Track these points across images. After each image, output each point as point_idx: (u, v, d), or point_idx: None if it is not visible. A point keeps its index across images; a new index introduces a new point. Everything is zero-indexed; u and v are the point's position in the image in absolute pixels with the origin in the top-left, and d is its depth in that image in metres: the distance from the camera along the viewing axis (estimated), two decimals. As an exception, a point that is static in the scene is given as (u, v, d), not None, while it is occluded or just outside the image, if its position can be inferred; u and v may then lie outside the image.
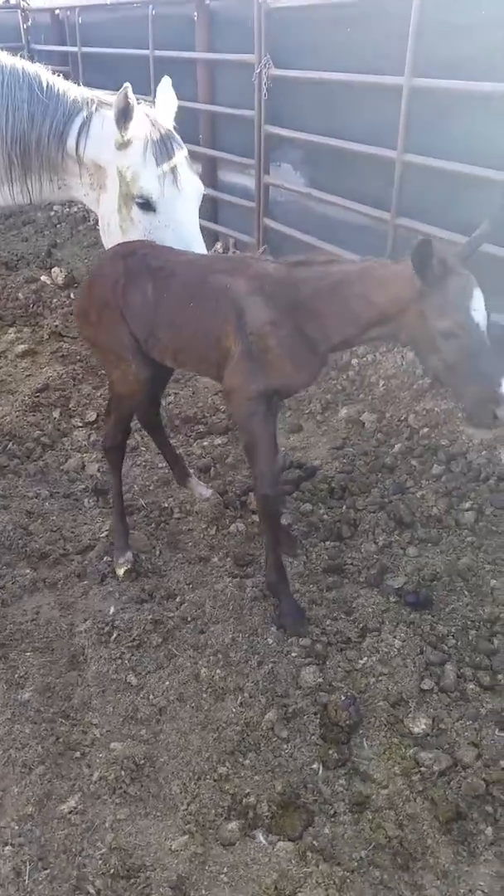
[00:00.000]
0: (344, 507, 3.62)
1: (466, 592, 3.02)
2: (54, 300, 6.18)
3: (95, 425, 4.52)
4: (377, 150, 4.51)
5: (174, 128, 3.39)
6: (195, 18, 6.19)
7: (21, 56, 9.22)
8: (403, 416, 4.23)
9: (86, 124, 3.24)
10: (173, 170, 3.25)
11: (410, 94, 4.16)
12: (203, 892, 2.09)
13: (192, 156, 6.66)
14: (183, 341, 2.81)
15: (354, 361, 4.79)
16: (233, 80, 6.03)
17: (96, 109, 3.26)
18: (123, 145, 3.17)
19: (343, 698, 2.55)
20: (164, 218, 3.22)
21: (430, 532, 3.39)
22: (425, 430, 4.07)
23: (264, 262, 2.79)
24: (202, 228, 6.64)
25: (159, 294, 2.80)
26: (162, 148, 3.23)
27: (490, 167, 3.83)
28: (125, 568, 3.26)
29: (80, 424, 4.52)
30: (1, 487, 3.92)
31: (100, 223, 3.45)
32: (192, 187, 3.33)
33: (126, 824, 2.28)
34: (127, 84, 3.09)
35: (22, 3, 8.86)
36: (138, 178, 3.17)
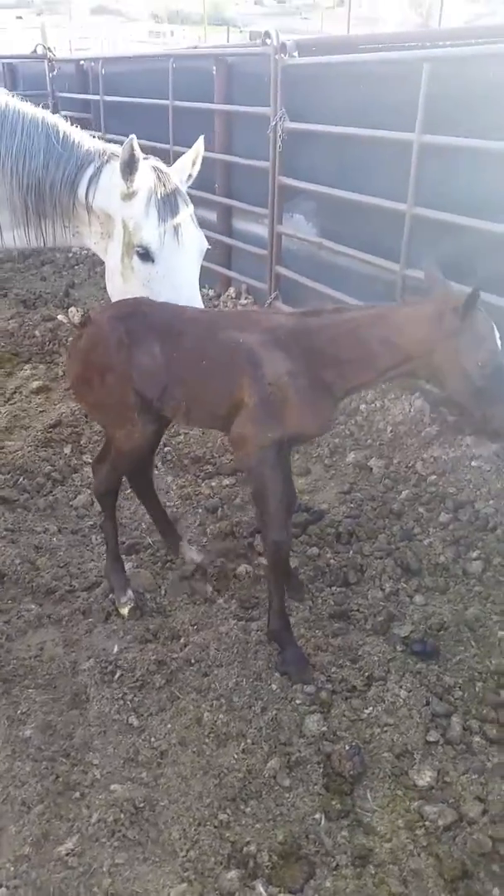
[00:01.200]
0: (351, 552, 3.62)
1: (473, 643, 3.00)
2: (70, 339, 6.27)
3: (105, 463, 4.55)
4: (387, 202, 4.62)
5: (190, 177, 3.51)
6: (214, 72, 6.41)
7: (46, 103, 9.54)
8: (411, 462, 4.26)
9: (96, 174, 3.35)
10: (175, 225, 3.29)
11: (420, 149, 4.28)
12: (201, 943, 2.05)
13: (208, 204, 6.91)
14: (196, 398, 2.84)
15: (363, 407, 4.84)
16: (249, 132, 6.22)
17: (108, 161, 3.38)
18: (128, 196, 3.25)
19: (347, 748, 2.52)
20: (161, 269, 3.27)
21: (438, 580, 3.38)
22: (433, 477, 4.09)
23: (271, 314, 2.92)
24: (216, 274, 6.83)
25: (169, 354, 2.81)
26: (166, 202, 3.28)
27: (497, 221, 3.92)
28: (129, 606, 3.25)
29: (91, 461, 4.54)
30: (10, 521, 3.94)
31: (105, 272, 3.53)
32: (193, 243, 3.37)
33: (124, 869, 2.24)
34: (132, 136, 3.17)
35: (48, 53, 9.20)
36: (140, 228, 3.24)
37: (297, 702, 2.79)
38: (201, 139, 3.63)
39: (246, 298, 6.67)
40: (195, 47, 8.58)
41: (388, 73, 4.73)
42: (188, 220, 3.34)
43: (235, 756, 2.58)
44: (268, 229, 6.01)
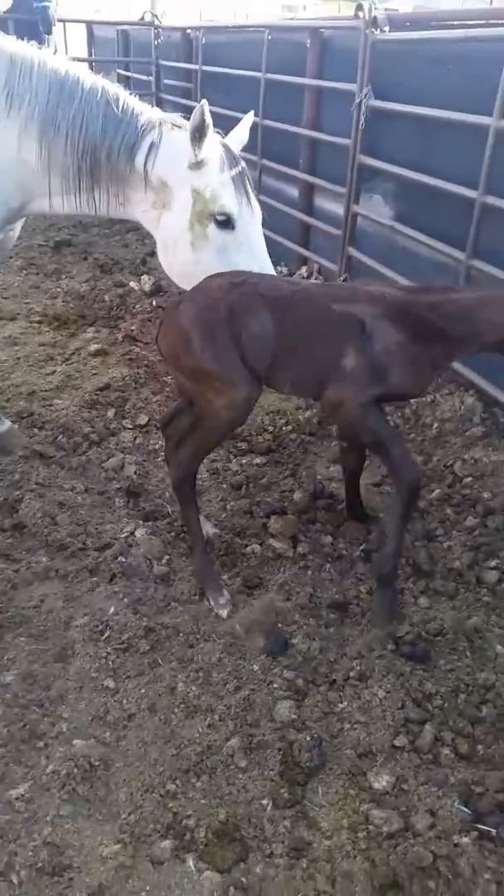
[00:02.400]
0: (365, 545, 3.52)
1: (468, 654, 2.86)
2: (137, 306, 6.37)
3: (144, 429, 4.61)
4: (457, 188, 4.41)
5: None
6: (308, 45, 6.28)
7: (149, 71, 9.63)
8: (450, 461, 4.08)
9: (156, 143, 3.34)
10: (247, 190, 3.35)
11: (497, 135, 4.04)
12: (120, 905, 2.07)
13: (291, 180, 6.79)
14: (303, 368, 2.98)
15: (412, 400, 4.67)
16: (337, 109, 6.06)
17: (169, 130, 3.37)
18: (197, 165, 3.26)
19: (308, 739, 2.47)
20: (240, 236, 3.33)
21: (447, 585, 3.24)
22: (469, 479, 3.91)
23: (379, 288, 3.05)
24: (292, 252, 6.74)
25: (280, 324, 2.91)
26: (235, 163, 3.33)
27: None
28: (228, 609, 3.10)
29: (130, 426, 4.62)
30: (42, 476, 4.04)
31: (160, 242, 3.53)
32: (258, 208, 3.43)
33: (66, 821, 2.28)
34: (204, 101, 3.17)
35: (155, 20, 9.27)
36: (219, 196, 3.27)
37: (274, 686, 2.76)
38: (251, 113, 3.61)
39: (317, 279, 6.56)
40: (293, 19, 8.41)
41: (475, 51, 4.48)
42: (250, 186, 3.39)
43: (199, 730, 2.58)
44: (343, 209, 5.87)
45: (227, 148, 3.35)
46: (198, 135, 3.18)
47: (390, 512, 3.20)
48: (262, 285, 3.01)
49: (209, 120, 3.18)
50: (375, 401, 2.95)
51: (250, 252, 3.36)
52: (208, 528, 3.59)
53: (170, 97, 9.65)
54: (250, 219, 3.39)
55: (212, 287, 3.01)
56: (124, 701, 2.70)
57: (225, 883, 2.10)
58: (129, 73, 11.41)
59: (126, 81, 11.65)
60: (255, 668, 2.84)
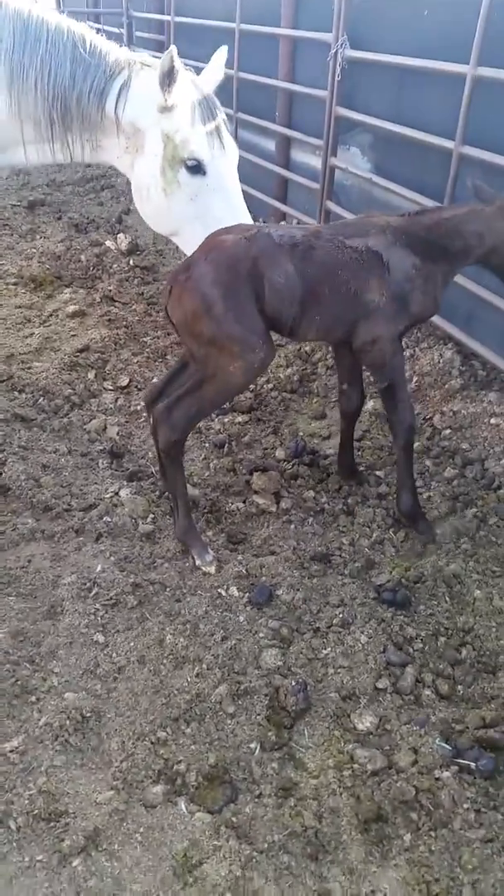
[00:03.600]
0: (348, 499, 3.57)
1: (448, 599, 2.94)
2: (114, 265, 6.29)
3: (126, 390, 4.60)
4: (434, 139, 4.37)
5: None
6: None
7: (123, 23, 9.31)
8: (429, 415, 4.13)
9: (126, 85, 3.25)
10: (219, 132, 3.27)
11: (473, 84, 3.99)
12: (115, 846, 2.14)
13: (267, 133, 6.67)
14: (330, 310, 2.98)
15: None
16: (313, 60, 5.94)
17: (138, 71, 3.28)
18: (167, 109, 3.18)
19: (294, 684, 2.54)
20: (212, 181, 3.27)
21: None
22: (447, 431, 3.96)
23: (386, 218, 3.12)
24: (270, 207, 6.66)
25: (303, 271, 2.88)
26: (207, 110, 3.26)
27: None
28: (214, 565, 3.13)
29: (111, 388, 4.61)
30: (25, 439, 4.04)
31: (134, 187, 3.48)
32: (233, 150, 3.37)
33: (60, 771, 2.34)
34: (173, 46, 3.10)
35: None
36: (188, 141, 3.21)
37: (260, 635, 2.82)
38: (223, 49, 3.53)
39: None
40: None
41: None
42: (224, 127, 3.31)
43: (188, 679, 2.64)
44: (321, 162, 5.79)
45: (202, 93, 3.29)
46: (167, 80, 3.11)
47: (397, 456, 3.31)
48: (276, 235, 2.94)
49: (178, 65, 3.11)
50: (401, 335, 3.11)
51: (224, 197, 3.29)
52: (193, 491, 3.59)
53: (142, 50, 9.37)
54: (223, 163, 3.31)
55: (227, 245, 2.88)
56: (114, 654, 2.76)
57: (216, 823, 2.18)
58: (99, 26, 11.05)
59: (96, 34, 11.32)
60: (241, 618, 2.90)
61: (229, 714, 2.52)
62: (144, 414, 4.37)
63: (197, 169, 3.24)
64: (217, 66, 3.54)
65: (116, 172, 9.00)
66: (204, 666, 2.69)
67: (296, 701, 2.50)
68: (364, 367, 3.33)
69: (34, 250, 6.53)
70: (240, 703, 2.56)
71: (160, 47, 8.91)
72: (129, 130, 3.31)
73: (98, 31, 9.74)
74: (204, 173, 3.25)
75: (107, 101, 3.27)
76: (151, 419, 3.22)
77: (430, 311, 3.18)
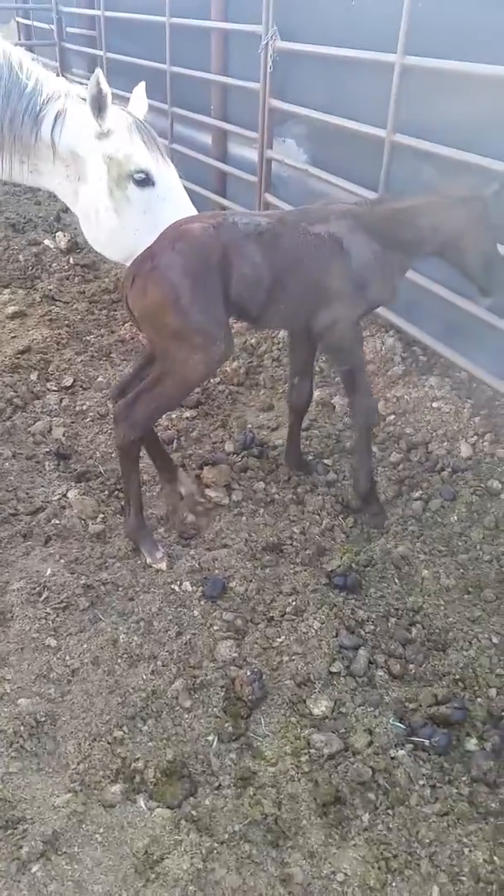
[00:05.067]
0: (297, 488, 3.59)
1: (397, 581, 2.99)
2: (54, 264, 6.20)
3: (70, 390, 4.54)
4: (368, 128, 4.41)
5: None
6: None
7: (53, 19, 9.16)
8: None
9: (62, 113, 3.27)
10: (157, 145, 3.33)
11: (402, 72, 4.05)
12: (75, 849, 2.13)
13: (203, 127, 6.64)
14: (294, 297, 2.99)
15: (336, 344, 4.73)
16: (244, 52, 5.94)
17: (76, 102, 3.29)
18: (104, 134, 3.22)
19: (248, 673, 2.55)
20: (161, 190, 3.32)
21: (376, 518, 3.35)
22: (392, 417, 4.02)
23: (346, 205, 3.15)
24: (209, 201, 6.64)
25: (270, 259, 2.86)
26: (143, 128, 3.33)
27: (477, 152, 3.72)
28: (165, 561, 3.12)
29: (55, 389, 4.54)
30: (-32, 445, 3.97)
31: (81, 215, 3.46)
32: (172, 166, 3.46)
33: (16, 777, 2.31)
34: (97, 70, 3.10)
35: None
36: (132, 155, 3.26)
37: (214, 628, 2.83)
38: (142, 85, 3.65)
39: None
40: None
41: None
42: (163, 148, 3.39)
43: (143, 677, 2.63)
44: (257, 154, 5.80)
45: (135, 117, 3.36)
46: (97, 105, 3.14)
47: (354, 441, 3.37)
48: (241, 223, 2.91)
49: (106, 88, 3.13)
50: (359, 319, 3.14)
51: (174, 204, 3.34)
52: (191, 486, 3.51)
53: (73, 46, 9.25)
54: (168, 171, 3.37)
55: (195, 233, 2.81)
56: (67, 657, 2.73)
57: (176, 817, 2.18)
58: (28, 21, 10.87)
59: (27, 30, 11.11)
60: (196, 613, 2.90)
61: (186, 708, 2.52)
62: (91, 414, 4.32)
63: (146, 181, 3.28)
64: (140, 99, 3.63)
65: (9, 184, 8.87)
66: (159, 663, 2.68)
67: (251, 691, 2.51)
68: (322, 353, 3.35)
69: (-31, 252, 6.38)
70: (196, 696, 2.56)
71: (91, 43, 8.79)
72: (67, 158, 3.32)
73: (28, 26, 9.58)
74: (153, 184, 3.30)
75: (42, 125, 3.28)
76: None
77: (387, 297, 3.23)
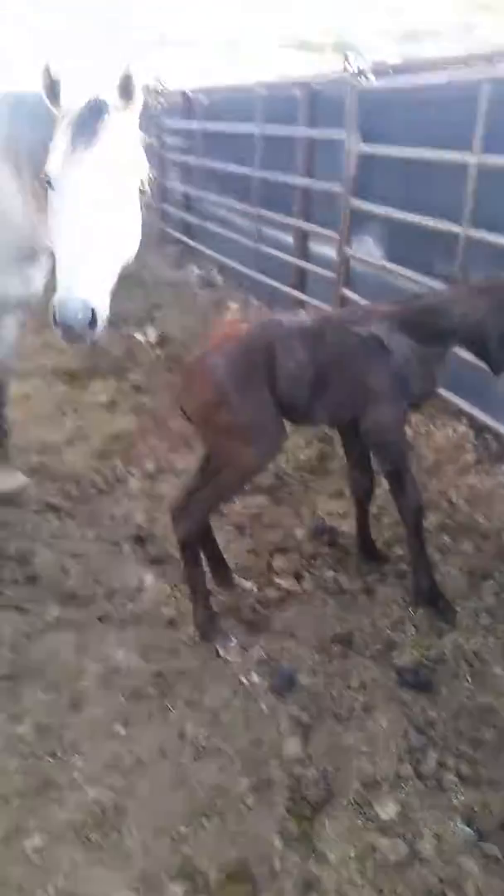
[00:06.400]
0: (367, 577, 3.57)
1: (469, 678, 2.90)
2: (143, 357, 6.57)
3: (151, 476, 4.73)
4: (442, 224, 4.55)
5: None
6: (299, 99, 6.55)
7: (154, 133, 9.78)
8: (445, 489, 4.15)
9: None
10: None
11: (478, 170, 4.19)
12: None
13: (285, 227, 7.00)
14: (338, 395, 3.10)
15: (408, 432, 4.75)
16: (329, 156, 6.31)
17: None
18: None
19: (315, 773, 2.51)
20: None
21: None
22: (464, 505, 3.96)
23: (384, 305, 3.31)
24: (288, 297, 6.91)
25: (314, 356, 3.01)
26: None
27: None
28: (236, 652, 3.12)
29: (137, 474, 4.74)
30: (55, 528, 4.16)
31: None
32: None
33: (80, 869, 2.32)
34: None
35: (158, 84, 9.74)
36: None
37: (281, 724, 2.80)
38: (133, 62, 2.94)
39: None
40: (284, 76, 8.80)
41: (452, 94, 4.67)
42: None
43: (209, 772, 2.62)
44: (336, 252, 6.04)
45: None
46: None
47: (407, 542, 3.36)
48: (286, 322, 3.12)
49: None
50: (405, 416, 3.23)
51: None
52: (245, 584, 3.55)
53: (171, 155, 10.05)
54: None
55: (240, 332, 3.04)
56: (135, 747, 2.76)
57: (236, 921, 2.13)
58: (141, 133, 11.91)
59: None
60: (263, 706, 2.89)
61: (250, 807, 2.49)
62: (169, 500, 4.47)
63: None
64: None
65: (146, 269, 9.48)
66: (226, 758, 2.67)
67: (317, 791, 2.47)
68: (370, 451, 3.39)
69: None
70: (261, 795, 2.53)
71: (187, 152, 9.52)
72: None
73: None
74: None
75: None
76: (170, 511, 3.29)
77: (429, 389, 3.29)
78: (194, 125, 9.10)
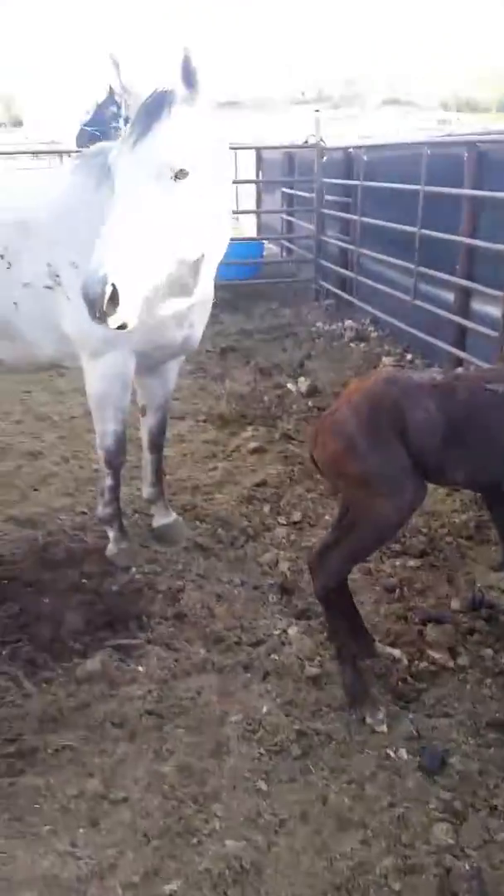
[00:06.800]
0: (528, 660, 3.35)
1: None
2: (294, 406, 6.64)
3: (298, 526, 4.72)
4: None
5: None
6: (465, 158, 6.52)
7: (311, 188, 10.21)
8: None
9: None
10: None
11: None
12: None
13: (446, 285, 6.92)
14: (472, 453, 2.98)
15: None
16: (494, 216, 6.20)
17: None
18: None
19: (467, 868, 2.34)
20: None
21: None
22: None
23: None
24: (446, 353, 6.80)
25: (444, 409, 2.94)
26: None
27: None
28: (385, 723, 2.99)
29: (284, 522, 4.75)
30: (202, 568, 4.24)
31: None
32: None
33: (216, 926, 2.28)
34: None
35: (320, 142, 10.01)
36: None
37: (431, 806, 2.65)
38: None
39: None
40: (449, 135, 8.78)
41: None
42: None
43: (352, 844, 2.52)
44: (501, 310, 5.89)
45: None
46: None
47: None
48: (416, 376, 3.06)
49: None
50: None
51: None
52: (394, 652, 3.42)
53: (330, 211, 10.26)
54: None
55: (368, 387, 3.02)
56: (276, 805, 2.70)
57: None
58: (292, 192, 12.29)
59: (289, 198, 12.56)
60: (410, 784, 2.75)
61: (395, 891, 2.35)
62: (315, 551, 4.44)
63: None
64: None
65: (300, 321, 9.74)
66: (369, 832, 2.55)
67: (469, 888, 2.30)
68: None
69: (223, 391, 7.08)
70: (407, 880, 2.38)
71: (346, 208, 9.69)
72: None
73: (291, 196, 10.85)
74: None
75: None
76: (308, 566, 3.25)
77: None
78: (354, 181, 9.25)
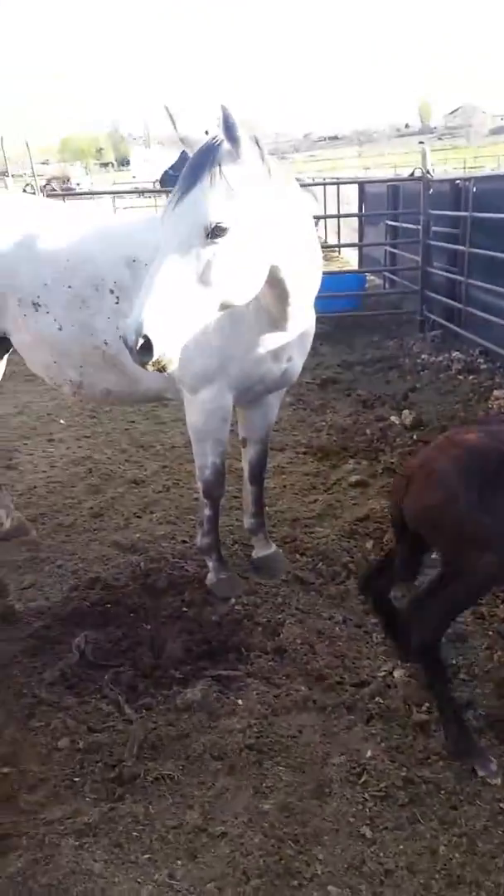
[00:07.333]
0: None
1: None
2: (397, 439, 6.51)
3: (403, 564, 4.58)
4: None
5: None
6: None
7: (417, 220, 10.17)
8: None
9: None
10: None
11: None
12: None
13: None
14: None
15: None
16: None
17: None
18: None
19: None
20: None
21: None
22: None
23: None
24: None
25: None
26: None
27: None
28: (500, 777, 2.86)
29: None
30: (302, 602, 4.18)
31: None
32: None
33: None
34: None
35: (426, 174, 9.94)
36: None
37: (550, 871, 2.46)
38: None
39: None
40: None
41: None
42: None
43: (464, 906, 2.37)
44: None
45: None
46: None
47: None
48: None
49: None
50: None
51: None
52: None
53: (436, 243, 10.14)
54: None
55: (468, 440, 2.90)
56: (381, 854, 2.59)
57: None
58: (396, 224, 12.23)
59: (394, 231, 12.50)
60: (527, 845, 2.57)
61: None
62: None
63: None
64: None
65: (404, 353, 9.61)
66: (483, 893, 2.40)
67: None
68: None
69: (324, 423, 7.03)
70: None
71: (453, 239, 9.55)
72: None
73: (395, 228, 10.80)
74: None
75: None
76: (402, 617, 3.16)
77: None
78: (463, 213, 9.11)
